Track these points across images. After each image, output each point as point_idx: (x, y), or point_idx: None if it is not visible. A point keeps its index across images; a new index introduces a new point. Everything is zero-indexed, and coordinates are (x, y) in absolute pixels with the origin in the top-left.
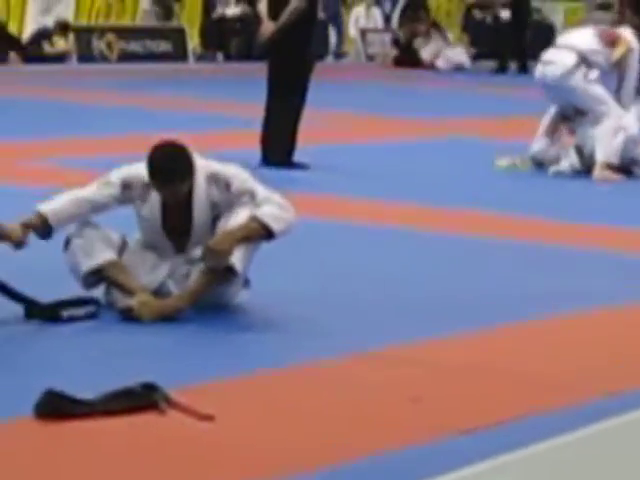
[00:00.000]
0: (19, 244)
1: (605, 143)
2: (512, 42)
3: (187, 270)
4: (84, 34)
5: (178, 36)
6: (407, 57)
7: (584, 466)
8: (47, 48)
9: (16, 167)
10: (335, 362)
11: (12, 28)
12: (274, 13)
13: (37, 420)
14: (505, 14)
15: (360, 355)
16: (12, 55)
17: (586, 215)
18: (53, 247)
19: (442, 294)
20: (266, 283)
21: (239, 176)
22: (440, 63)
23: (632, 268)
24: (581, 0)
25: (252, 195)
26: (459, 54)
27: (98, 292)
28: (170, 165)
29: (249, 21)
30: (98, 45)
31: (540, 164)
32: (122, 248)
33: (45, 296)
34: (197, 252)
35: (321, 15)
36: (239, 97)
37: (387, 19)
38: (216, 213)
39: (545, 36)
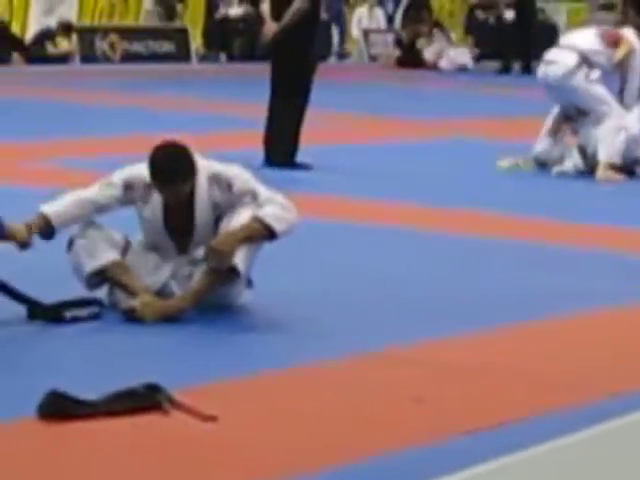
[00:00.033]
0: (24, 245)
1: (607, 143)
2: (516, 42)
3: (190, 271)
4: (87, 34)
5: (181, 36)
6: (410, 58)
7: (587, 467)
8: (50, 49)
9: (19, 168)
10: (337, 363)
11: (15, 29)
12: (277, 14)
13: (40, 421)
14: (509, 14)
15: (362, 355)
16: (15, 56)
17: (589, 215)
18: (56, 248)
19: (444, 294)
20: (268, 283)
21: (241, 176)
22: (443, 64)
23: (635, 268)
24: (584, 0)
25: (254, 195)
26: (462, 55)
27: (101, 293)
28: (171, 165)
29: (252, 21)
30: (101, 46)
31: (543, 164)
32: (125, 249)
33: (48, 297)
34: (200, 253)
35: (323, 16)
36: (242, 98)
37: (390, 19)
38: (218, 214)
39: (548, 36)
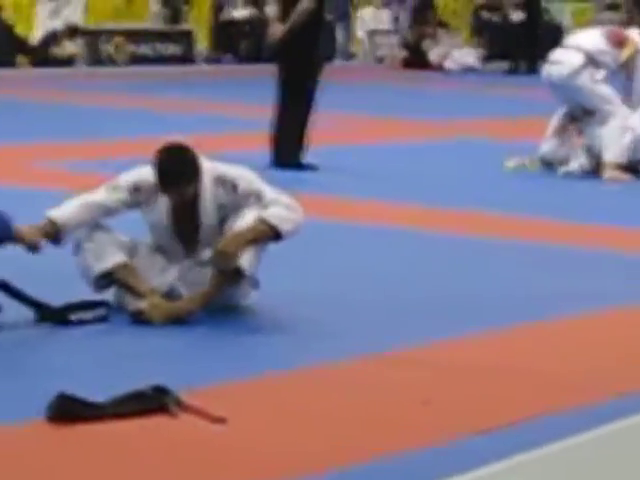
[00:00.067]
0: (34, 247)
1: (613, 143)
2: (524, 43)
3: (197, 272)
4: (93, 37)
5: (187, 39)
6: (415, 59)
7: (595, 467)
8: (56, 51)
9: (25, 170)
10: (344, 364)
11: (21, 32)
12: (285, 15)
13: (48, 423)
14: (515, 15)
15: (369, 356)
16: (21, 59)
17: (595, 215)
18: (63, 250)
19: (450, 295)
20: (274, 284)
21: (246, 177)
22: (448, 64)
23: None
24: (589, 0)
25: (259, 196)
26: (467, 55)
27: (109, 295)
28: (176, 167)
29: (258, 23)
30: (107, 48)
31: (549, 165)
32: (133, 251)
33: (55, 299)
34: (206, 254)
35: (327, 16)
36: (248, 99)
37: (395, 21)
38: (223, 215)
39: (553, 37)
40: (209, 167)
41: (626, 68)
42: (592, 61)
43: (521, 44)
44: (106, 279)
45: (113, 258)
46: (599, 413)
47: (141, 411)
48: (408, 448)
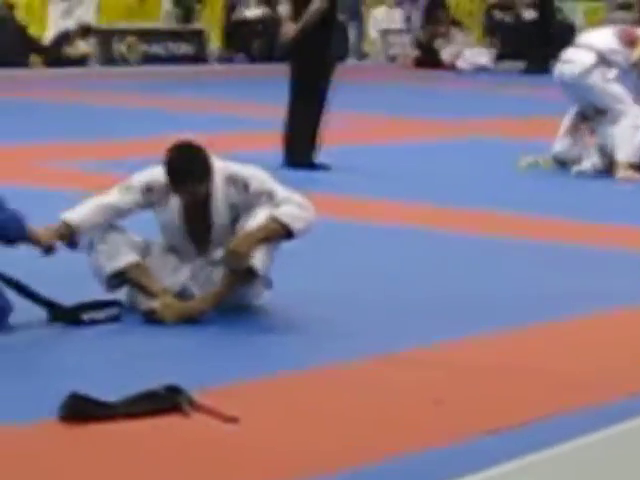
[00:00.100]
0: (49, 249)
1: (625, 143)
2: (536, 42)
3: (209, 272)
4: (105, 37)
5: (199, 38)
6: (428, 58)
7: (606, 467)
8: (69, 51)
9: (38, 170)
10: (356, 364)
11: (34, 32)
12: (297, 15)
13: (61, 423)
14: (528, 14)
15: (381, 357)
16: (34, 59)
17: (608, 215)
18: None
19: (462, 294)
20: (287, 283)
21: (257, 177)
22: (461, 64)
23: None
24: (602, 0)
25: (270, 195)
26: (479, 55)
27: (121, 295)
28: (186, 165)
29: (270, 23)
30: (119, 48)
31: (562, 164)
32: (145, 251)
33: (68, 299)
34: (218, 254)
35: (340, 16)
36: (260, 99)
37: (407, 20)
38: (235, 214)
39: (565, 36)
40: (221, 167)
41: (638, 67)
42: (604, 60)
43: (533, 43)
44: (118, 279)
45: (126, 258)
46: (611, 413)
47: (154, 411)
48: (420, 448)
